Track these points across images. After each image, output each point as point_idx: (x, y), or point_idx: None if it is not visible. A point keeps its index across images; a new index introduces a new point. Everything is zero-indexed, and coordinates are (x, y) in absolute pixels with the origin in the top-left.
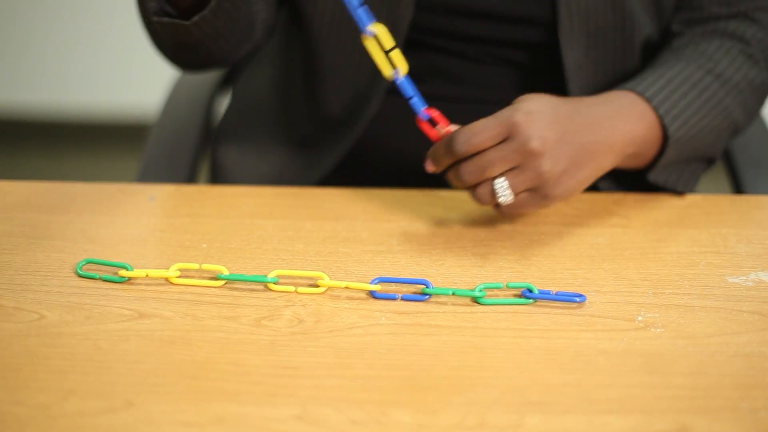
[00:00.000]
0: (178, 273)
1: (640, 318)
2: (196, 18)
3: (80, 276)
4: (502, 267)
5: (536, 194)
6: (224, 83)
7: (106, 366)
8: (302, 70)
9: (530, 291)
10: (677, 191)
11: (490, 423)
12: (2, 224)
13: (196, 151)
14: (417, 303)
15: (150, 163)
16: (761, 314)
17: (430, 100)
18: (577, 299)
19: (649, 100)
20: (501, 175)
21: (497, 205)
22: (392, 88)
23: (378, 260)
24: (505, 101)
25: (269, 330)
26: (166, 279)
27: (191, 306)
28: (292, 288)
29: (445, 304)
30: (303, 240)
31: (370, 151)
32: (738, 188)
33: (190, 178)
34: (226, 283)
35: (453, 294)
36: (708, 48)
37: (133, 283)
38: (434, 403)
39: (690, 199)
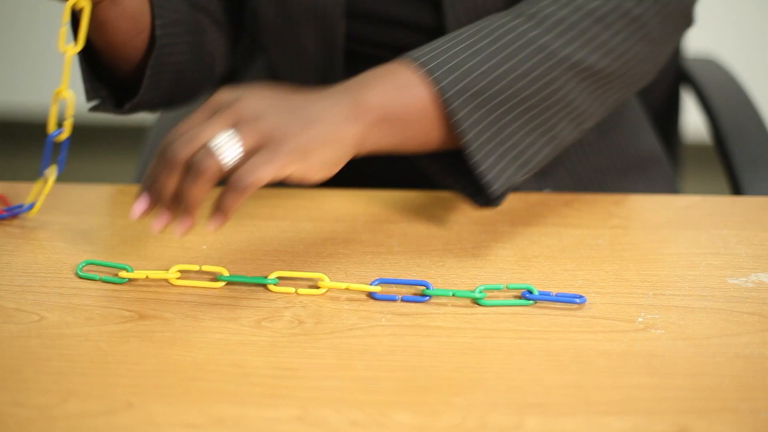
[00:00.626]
0: (179, 274)
1: (640, 319)
2: (127, 106)
3: (80, 277)
4: (503, 268)
5: (263, 152)
6: (222, 83)
7: (107, 367)
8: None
9: (530, 292)
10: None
11: (490, 424)
12: (2, 225)
13: None
14: (417, 304)
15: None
16: (761, 315)
17: None
18: (577, 300)
19: (413, 58)
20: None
21: (235, 175)
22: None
23: (378, 262)
24: None
25: (269, 331)
26: (167, 280)
27: (191, 307)
28: (292, 289)
29: (445, 305)
30: (303, 241)
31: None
32: (737, 189)
33: None
34: (226, 285)
35: (453, 295)
36: None
37: (133, 285)
38: (434, 405)
39: (690, 200)
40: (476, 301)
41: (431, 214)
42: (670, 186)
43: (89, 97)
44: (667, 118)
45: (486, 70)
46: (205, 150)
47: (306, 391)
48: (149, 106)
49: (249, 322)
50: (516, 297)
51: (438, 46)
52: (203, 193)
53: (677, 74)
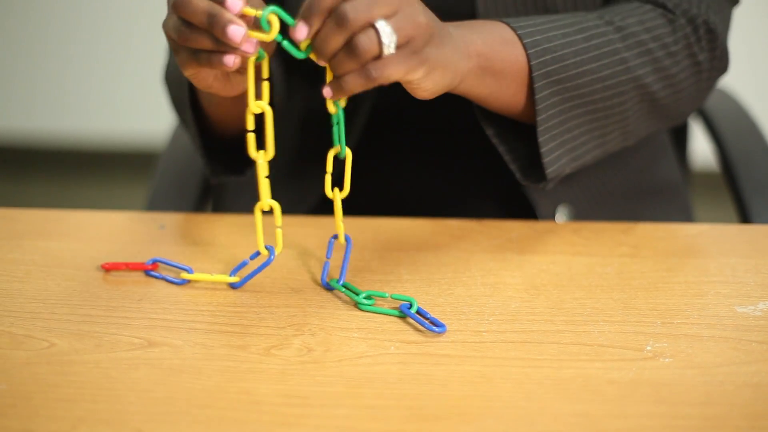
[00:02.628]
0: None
1: (648, 348)
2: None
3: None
4: (511, 296)
5: (406, 49)
6: None
7: (116, 394)
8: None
9: (410, 306)
10: (558, 171)
11: None
12: (13, 252)
13: (204, 180)
14: (426, 333)
15: (159, 191)
16: None
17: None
18: (436, 328)
19: (513, 27)
20: None
21: (372, 61)
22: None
23: (387, 289)
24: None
25: (278, 359)
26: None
27: (201, 335)
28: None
29: (454, 332)
30: (313, 269)
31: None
32: (745, 216)
33: (198, 206)
34: (236, 313)
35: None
36: (619, 6)
37: (143, 311)
38: None
39: (698, 228)
40: (357, 306)
41: (440, 243)
42: (686, 215)
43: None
44: (676, 146)
45: (572, 64)
46: (372, 32)
47: (315, 420)
48: None
49: (258, 350)
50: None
51: (536, 24)
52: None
53: None
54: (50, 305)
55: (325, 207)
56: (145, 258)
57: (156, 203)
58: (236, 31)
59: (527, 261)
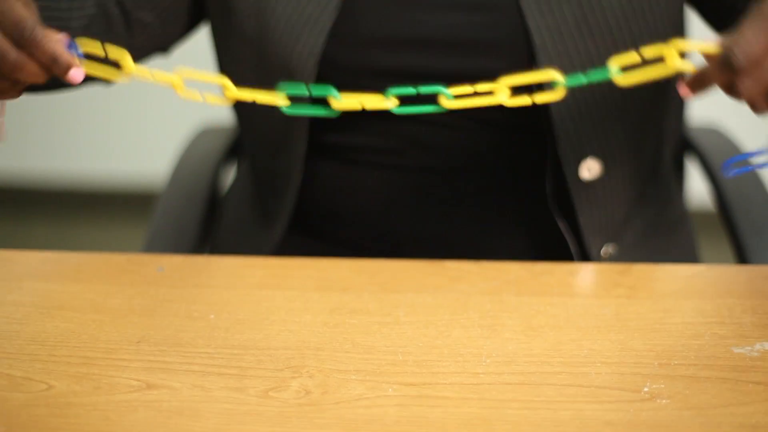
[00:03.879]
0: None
1: (645, 389)
2: None
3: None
4: (509, 338)
5: None
6: (230, 154)
7: None
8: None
9: None
10: None
11: None
12: (12, 294)
13: (202, 222)
14: (424, 374)
15: (157, 233)
16: (767, 385)
17: (413, 172)
18: None
19: None
20: None
21: None
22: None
23: (385, 331)
24: (490, 164)
25: (277, 401)
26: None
27: (199, 377)
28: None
29: (452, 374)
30: (310, 311)
31: (336, 223)
32: (742, 257)
33: (197, 248)
34: (233, 354)
35: None
36: None
37: (141, 353)
38: None
39: (695, 269)
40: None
41: (438, 284)
42: (692, 250)
43: None
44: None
45: None
46: None
47: None
48: None
49: (256, 392)
50: None
51: None
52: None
53: (682, 143)
54: (49, 347)
55: (288, 246)
56: (146, 300)
57: (154, 245)
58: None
59: (525, 302)
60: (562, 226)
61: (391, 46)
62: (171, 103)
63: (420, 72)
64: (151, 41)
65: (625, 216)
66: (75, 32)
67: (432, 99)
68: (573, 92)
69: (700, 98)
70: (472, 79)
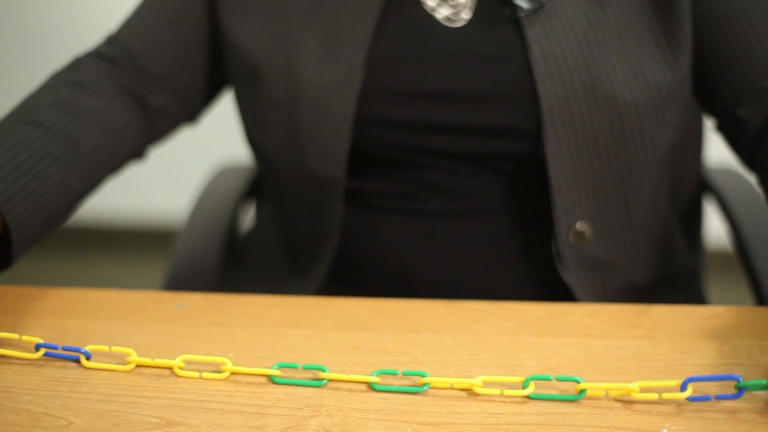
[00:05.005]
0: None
1: (664, 430)
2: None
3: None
4: None
5: None
6: (249, 194)
7: None
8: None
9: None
10: None
11: None
12: (32, 330)
13: (221, 260)
14: (443, 414)
15: (176, 270)
16: None
17: (429, 217)
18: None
19: None
20: None
21: None
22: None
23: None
24: (501, 211)
25: None
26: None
27: (219, 414)
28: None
29: (470, 414)
30: (329, 350)
31: (352, 267)
32: (760, 297)
33: (216, 285)
34: (253, 392)
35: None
36: None
37: (160, 391)
38: None
39: (713, 310)
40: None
41: (456, 325)
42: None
43: None
44: (690, 226)
45: None
46: None
47: None
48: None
49: (275, 431)
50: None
51: None
52: None
53: (700, 184)
54: (69, 383)
55: (330, 287)
56: (165, 337)
57: (174, 282)
58: None
59: (543, 343)
60: (567, 280)
61: (410, 99)
62: (191, 141)
63: (434, 124)
64: (172, 121)
65: (620, 277)
66: (98, 135)
67: None
68: (572, 159)
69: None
70: (484, 132)
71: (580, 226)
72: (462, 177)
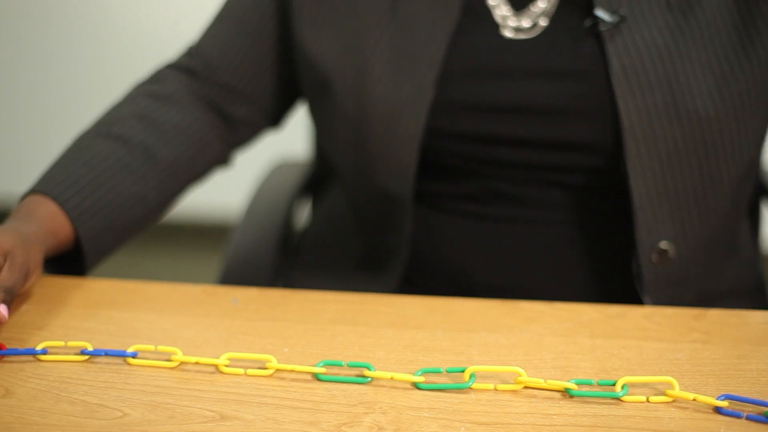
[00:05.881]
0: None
1: None
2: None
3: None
4: None
5: None
6: (305, 190)
7: None
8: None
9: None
10: None
11: None
12: (88, 321)
13: (276, 255)
14: (497, 413)
15: (232, 265)
16: None
17: (495, 222)
18: None
19: None
20: None
21: None
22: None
23: None
24: (570, 222)
25: None
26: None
27: (272, 409)
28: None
29: (524, 415)
30: (384, 347)
31: (423, 269)
32: None
33: (271, 281)
34: (306, 388)
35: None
36: None
37: (215, 384)
38: None
39: None
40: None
41: (511, 325)
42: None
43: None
44: (756, 232)
45: None
46: None
47: None
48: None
49: (329, 427)
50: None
51: None
52: None
53: (758, 188)
54: (124, 375)
55: (404, 286)
56: (220, 332)
57: (229, 277)
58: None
59: (598, 345)
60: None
61: (483, 113)
62: None
63: (507, 137)
64: (253, 129)
65: (694, 289)
66: (176, 147)
67: None
68: (654, 176)
69: None
70: (558, 146)
71: (663, 245)
72: (531, 187)
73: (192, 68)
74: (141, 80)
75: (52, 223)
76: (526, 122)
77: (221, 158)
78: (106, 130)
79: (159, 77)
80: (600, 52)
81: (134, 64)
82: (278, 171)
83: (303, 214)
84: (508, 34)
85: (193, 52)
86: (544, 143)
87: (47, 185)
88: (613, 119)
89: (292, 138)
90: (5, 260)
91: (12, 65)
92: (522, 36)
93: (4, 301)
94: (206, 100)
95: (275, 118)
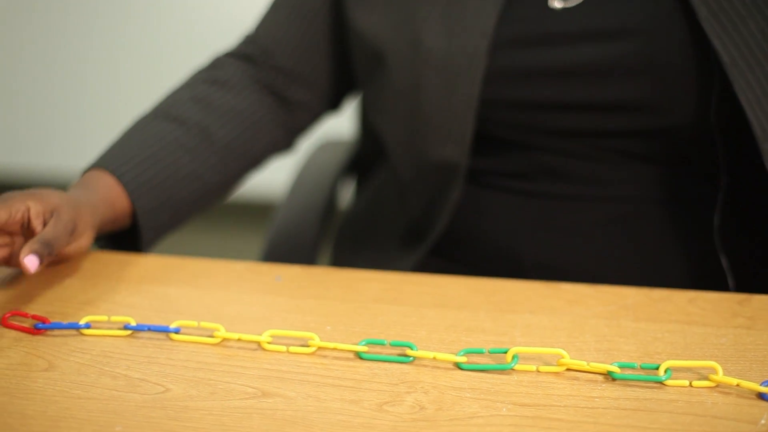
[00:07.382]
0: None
1: (762, 421)
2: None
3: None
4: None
5: None
6: (350, 169)
7: None
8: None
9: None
10: None
11: None
12: (131, 296)
13: (318, 234)
14: (539, 395)
15: (275, 243)
16: None
17: (543, 199)
18: None
19: None
20: None
21: None
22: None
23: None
24: (619, 198)
25: (391, 415)
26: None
27: (314, 387)
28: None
29: (566, 397)
30: (426, 327)
31: (458, 243)
32: None
33: (314, 258)
34: (349, 367)
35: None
36: None
37: (257, 361)
38: None
39: None
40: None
41: (554, 307)
42: None
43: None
44: None
45: None
46: None
47: None
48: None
49: (371, 405)
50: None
51: None
52: None
53: None
54: (166, 350)
55: (431, 262)
56: (263, 309)
57: (272, 254)
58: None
59: (642, 329)
60: (724, 262)
61: (534, 79)
62: None
63: (560, 102)
64: (312, 113)
65: None
66: (233, 129)
67: None
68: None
69: None
70: (609, 107)
71: None
72: (580, 160)
73: (249, 54)
74: (199, 67)
75: (109, 193)
76: (576, 85)
77: (281, 143)
78: (164, 112)
79: (216, 64)
80: (680, 3)
81: (192, 54)
82: (323, 149)
83: (347, 193)
84: (557, 5)
85: (250, 39)
86: (594, 105)
87: (105, 161)
88: (663, 76)
89: (338, 117)
90: (51, 216)
91: (78, 49)
92: (570, 4)
93: (38, 253)
94: (263, 84)
95: (334, 101)
